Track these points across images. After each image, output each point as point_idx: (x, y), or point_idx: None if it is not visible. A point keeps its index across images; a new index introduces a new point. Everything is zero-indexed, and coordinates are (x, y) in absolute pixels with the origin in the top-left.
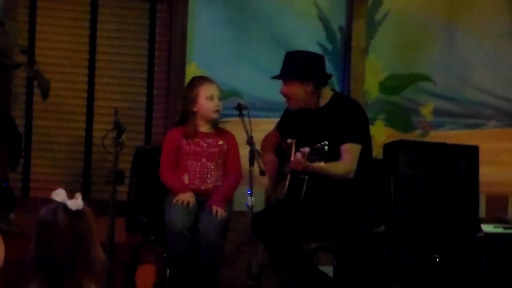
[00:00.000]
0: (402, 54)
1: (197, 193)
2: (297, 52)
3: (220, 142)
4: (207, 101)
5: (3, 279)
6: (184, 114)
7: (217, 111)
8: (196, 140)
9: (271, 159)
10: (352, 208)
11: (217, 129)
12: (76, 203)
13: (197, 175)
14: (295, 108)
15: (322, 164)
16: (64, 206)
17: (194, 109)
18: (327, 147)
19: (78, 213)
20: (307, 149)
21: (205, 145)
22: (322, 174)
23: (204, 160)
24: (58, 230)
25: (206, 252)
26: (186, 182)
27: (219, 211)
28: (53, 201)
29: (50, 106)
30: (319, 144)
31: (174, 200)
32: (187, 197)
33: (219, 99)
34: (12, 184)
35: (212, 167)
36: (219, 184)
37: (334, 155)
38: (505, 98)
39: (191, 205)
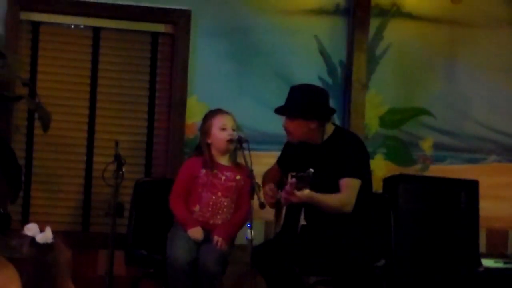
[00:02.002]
0: (402, 88)
1: (203, 226)
2: (302, 87)
3: (238, 177)
4: (219, 131)
5: None
6: (200, 146)
7: (230, 140)
8: (215, 171)
9: (272, 189)
10: (351, 242)
11: (236, 164)
12: (44, 236)
13: (210, 208)
14: (296, 141)
15: (307, 191)
16: (31, 239)
17: (209, 141)
18: (312, 174)
19: (45, 246)
20: (293, 180)
21: (223, 177)
22: (315, 204)
23: (219, 194)
24: (22, 264)
25: (206, 283)
26: (197, 212)
27: (222, 244)
28: (25, 235)
29: (50, 139)
30: (304, 172)
31: (193, 238)
32: (198, 234)
33: (233, 130)
34: (12, 216)
35: (226, 203)
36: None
37: (331, 189)
38: (505, 133)
39: (199, 240)
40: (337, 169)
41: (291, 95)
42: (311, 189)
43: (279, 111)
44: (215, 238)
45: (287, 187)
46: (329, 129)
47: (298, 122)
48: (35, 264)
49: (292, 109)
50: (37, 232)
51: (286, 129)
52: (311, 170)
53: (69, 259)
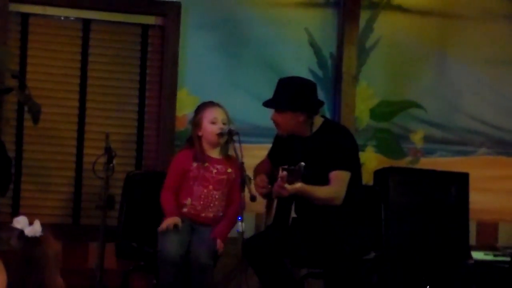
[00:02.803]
0: (393, 81)
1: (195, 219)
2: (290, 80)
3: (229, 170)
4: (210, 124)
5: None
6: (191, 139)
7: (220, 133)
8: (206, 164)
9: (262, 179)
10: (342, 235)
11: (227, 156)
12: (33, 229)
13: (201, 202)
14: (285, 134)
15: (299, 185)
16: (19, 232)
17: (200, 134)
18: (303, 168)
19: (33, 239)
20: (284, 173)
21: (214, 170)
22: (306, 197)
23: (210, 187)
24: (10, 256)
25: (197, 276)
26: (188, 205)
27: (221, 245)
28: (14, 228)
29: (40, 131)
30: (295, 166)
31: (159, 228)
32: (171, 221)
33: (224, 123)
34: (1, 209)
35: (217, 196)
36: (220, 214)
37: (321, 181)
38: (495, 126)
39: (179, 227)
40: (326, 161)
41: (279, 88)
42: (302, 181)
43: (267, 104)
44: (218, 242)
45: (278, 181)
46: (318, 121)
47: (286, 114)
48: (23, 257)
49: (280, 101)
50: (26, 225)
51: (274, 122)
52: (302, 163)
53: (58, 253)
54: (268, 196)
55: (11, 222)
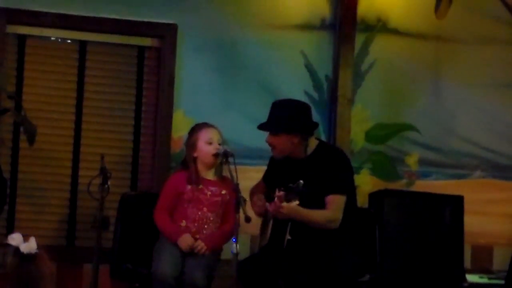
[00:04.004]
0: (388, 103)
1: None
2: (284, 102)
3: (223, 192)
4: (206, 145)
5: None
6: (186, 160)
7: (216, 154)
8: (200, 186)
9: (260, 198)
10: (336, 257)
11: (221, 178)
12: (28, 246)
13: (195, 224)
14: (280, 157)
15: (296, 203)
16: (15, 249)
17: (195, 155)
18: (302, 185)
19: (29, 256)
20: (281, 193)
21: (208, 193)
22: (302, 221)
23: (205, 209)
24: (5, 272)
25: None
26: (183, 227)
27: (203, 248)
28: (9, 245)
29: (36, 152)
30: (293, 184)
31: (183, 247)
32: (188, 241)
33: (219, 144)
34: None
35: (211, 218)
36: None
37: (317, 204)
38: (490, 149)
39: (190, 247)
40: (322, 184)
41: (273, 110)
42: (300, 200)
43: (262, 127)
44: (198, 242)
45: (276, 201)
46: (313, 143)
47: (281, 137)
48: (18, 274)
49: (274, 124)
50: (21, 242)
51: (269, 145)
52: (301, 181)
53: (53, 272)
54: (264, 216)
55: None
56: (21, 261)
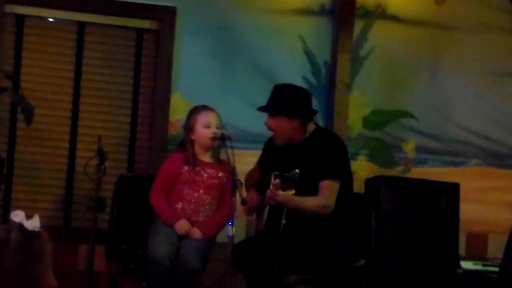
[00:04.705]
0: (386, 90)
1: None
2: (286, 86)
3: (220, 174)
4: (203, 128)
5: None
6: (183, 142)
7: (213, 138)
8: (197, 168)
9: (253, 197)
10: (332, 242)
11: (218, 161)
12: (32, 223)
13: (191, 206)
14: (282, 142)
15: (291, 194)
16: (19, 225)
17: (192, 137)
18: (298, 175)
19: (32, 233)
20: (278, 181)
21: (205, 175)
22: (295, 208)
23: (201, 191)
24: (9, 247)
25: (186, 279)
26: (179, 209)
27: (197, 234)
28: (12, 221)
29: (33, 132)
30: (289, 173)
31: (180, 232)
32: (185, 226)
33: (217, 127)
34: None
35: (208, 201)
36: None
37: (312, 189)
38: (487, 137)
39: (185, 232)
40: (316, 170)
41: (274, 93)
42: (296, 188)
43: (262, 108)
44: (194, 229)
45: (272, 188)
46: (311, 128)
47: (281, 119)
48: (22, 249)
49: (275, 106)
50: (24, 219)
51: (268, 127)
52: (297, 171)
53: (52, 251)
54: (260, 201)
55: (1, 222)
56: (25, 238)
